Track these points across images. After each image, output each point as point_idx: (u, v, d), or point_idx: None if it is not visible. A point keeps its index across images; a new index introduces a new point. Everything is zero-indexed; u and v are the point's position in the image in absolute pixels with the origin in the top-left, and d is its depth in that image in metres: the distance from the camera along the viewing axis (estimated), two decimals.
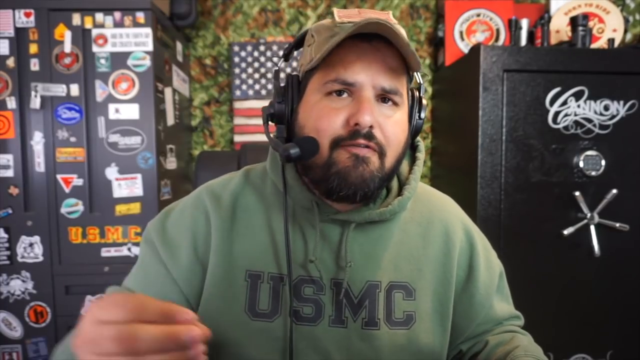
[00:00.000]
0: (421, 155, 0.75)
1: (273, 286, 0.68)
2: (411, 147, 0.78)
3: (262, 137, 2.15)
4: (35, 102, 1.56)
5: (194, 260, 0.70)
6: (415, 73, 0.73)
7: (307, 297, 0.68)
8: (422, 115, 0.72)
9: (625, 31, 1.93)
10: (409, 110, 0.71)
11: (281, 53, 0.74)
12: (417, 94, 0.72)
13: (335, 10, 0.67)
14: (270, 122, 0.71)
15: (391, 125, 0.65)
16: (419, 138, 0.77)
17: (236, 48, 2.15)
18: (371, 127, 0.62)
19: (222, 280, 0.69)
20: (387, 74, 0.63)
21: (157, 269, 0.70)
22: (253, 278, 0.69)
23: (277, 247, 0.70)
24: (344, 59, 0.63)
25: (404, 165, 0.76)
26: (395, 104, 0.66)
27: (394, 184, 0.74)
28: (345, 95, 0.64)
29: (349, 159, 0.63)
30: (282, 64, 0.74)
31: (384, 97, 0.65)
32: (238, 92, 2.16)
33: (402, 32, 0.64)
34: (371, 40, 0.62)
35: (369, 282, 0.69)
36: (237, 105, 2.17)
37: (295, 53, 0.76)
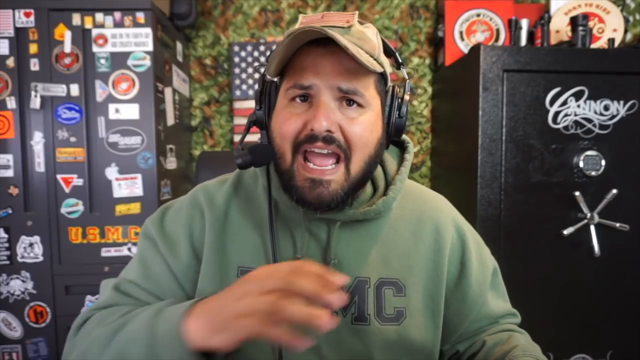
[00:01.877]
0: (409, 156, 0.76)
1: None
2: (401, 148, 0.79)
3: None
4: (35, 102, 1.56)
5: (192, 255, 0.73)
6: (402, 69, 0.73)
7: None
8: (403, 112, 0.71)
9: (626, 31, 1.93)
10: (388, 108, 0.71)
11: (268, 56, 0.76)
12: (398, 90, 0.72)
13: (300, 16, 0.68)
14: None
15: (354, 126, 0.65)
16: (408, 139, 0.77)
17: (236, 48, 2.15)
18: (329, 131, 0.63)
19: (214, 275, 0.71)
20: (343, 75, 0.64)
21: (157, 262, 0.73)
22: (244, 274, 0.70)
23: (267, 245, 0.71)
24: (300, 65, 0.65)
25: (392, 165, 0.77)
26: (360, 105, 0.65)
27: (381, 183, 0.75)
28: (307, 101, 0.65)
29: (306, 181, 0.64)
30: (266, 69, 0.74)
31: (348, 99, 0.65)
32: (238, 92, 2.16)
33: (363, 33, 0.64)
34: (326, 44, 0.63)
35: (358, 278, 0.71)
36: (237, 105, 2.17)
37: None
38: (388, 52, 0.72)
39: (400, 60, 0.73)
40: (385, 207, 0.71)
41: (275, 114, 0.69)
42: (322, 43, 0.63)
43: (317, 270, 0.50)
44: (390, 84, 0.73)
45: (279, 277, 0.50)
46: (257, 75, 2.15)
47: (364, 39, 0.64)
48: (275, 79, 0.72)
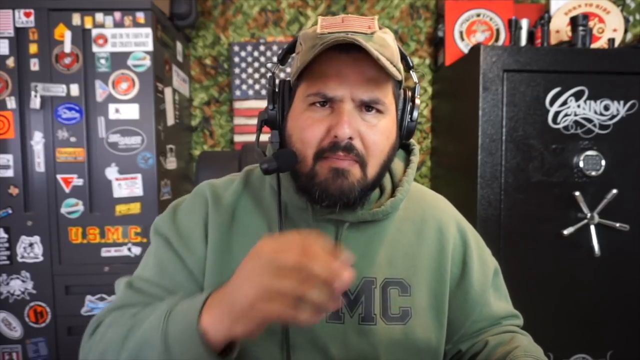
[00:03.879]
0: (415, 158, 0.77)
1: None
2: (406, 150, 0.80)
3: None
4: (35, 102, 1.56)
5: (206, 248, 0.72)
6: (411, 72, 0.74)
7: None
8: (415, 116, 0.73)
9: (626, 31, 1.93)
10: (401, 112, 0.72)
11: (280, 56, 0.77)
12: (409, 94, 0.73)
13: (319, 18, 0.68)
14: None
15: (373, 134, 0.66)
16: (414, 142, 0.79)
17: (236, 48, 2.15)
18: (350, 138, 0.64)
19: (219, 275, 0.70)
20: (366, 85, 0.64)
21: (172, 260, 0.72)
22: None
23: None
24: (324, 73, 0.65)
25: (399, 167, 0.77)
26: (379, 111, 0.67)
27: (388, 185, 0.76)
28: (327, 105, 0.66)
29: (329, 172, 0.65)
30: (277, 68, 0.75)
31: (367, 105, 0.66)
32: (238, 92, 2.16)
33: (384, 39, 0.65)
34: (349, 51, 0.63)
35: (365, 279, 0.71)
36: (237, 105, 2.17)
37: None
38: (400, 55, 0.72)
39: (411, 64, 0.74)
40: (393, 208, 0.72)
41: (292, 117, 0.69)
42: (344, 49, 0.63)
43: (324, 250, 0.49)
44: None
45: (292, 258, 0.48)
46: (257, 75, 2.15)
47: (385, 45, 0.64)
48: (289, 79, 0.72)
